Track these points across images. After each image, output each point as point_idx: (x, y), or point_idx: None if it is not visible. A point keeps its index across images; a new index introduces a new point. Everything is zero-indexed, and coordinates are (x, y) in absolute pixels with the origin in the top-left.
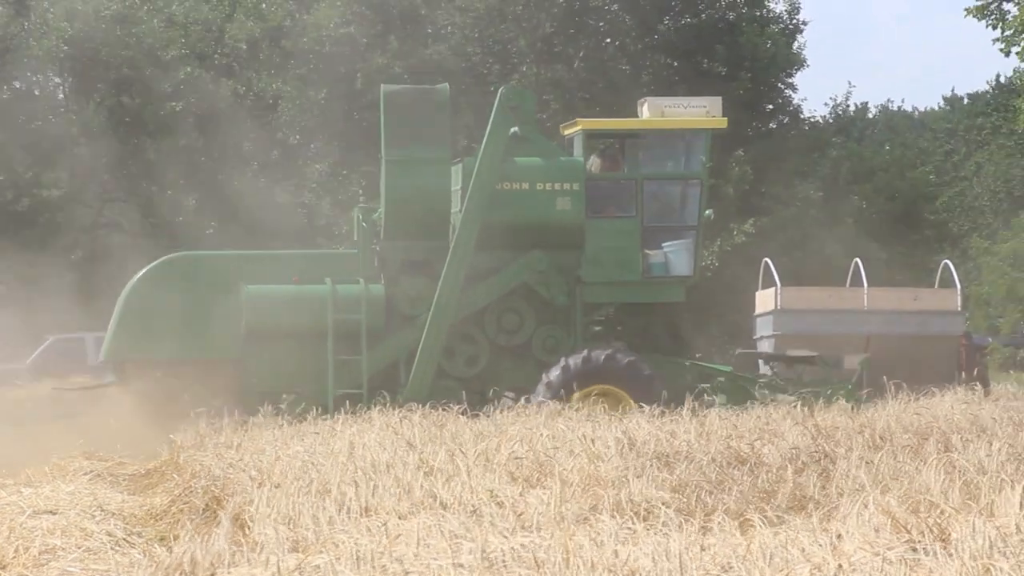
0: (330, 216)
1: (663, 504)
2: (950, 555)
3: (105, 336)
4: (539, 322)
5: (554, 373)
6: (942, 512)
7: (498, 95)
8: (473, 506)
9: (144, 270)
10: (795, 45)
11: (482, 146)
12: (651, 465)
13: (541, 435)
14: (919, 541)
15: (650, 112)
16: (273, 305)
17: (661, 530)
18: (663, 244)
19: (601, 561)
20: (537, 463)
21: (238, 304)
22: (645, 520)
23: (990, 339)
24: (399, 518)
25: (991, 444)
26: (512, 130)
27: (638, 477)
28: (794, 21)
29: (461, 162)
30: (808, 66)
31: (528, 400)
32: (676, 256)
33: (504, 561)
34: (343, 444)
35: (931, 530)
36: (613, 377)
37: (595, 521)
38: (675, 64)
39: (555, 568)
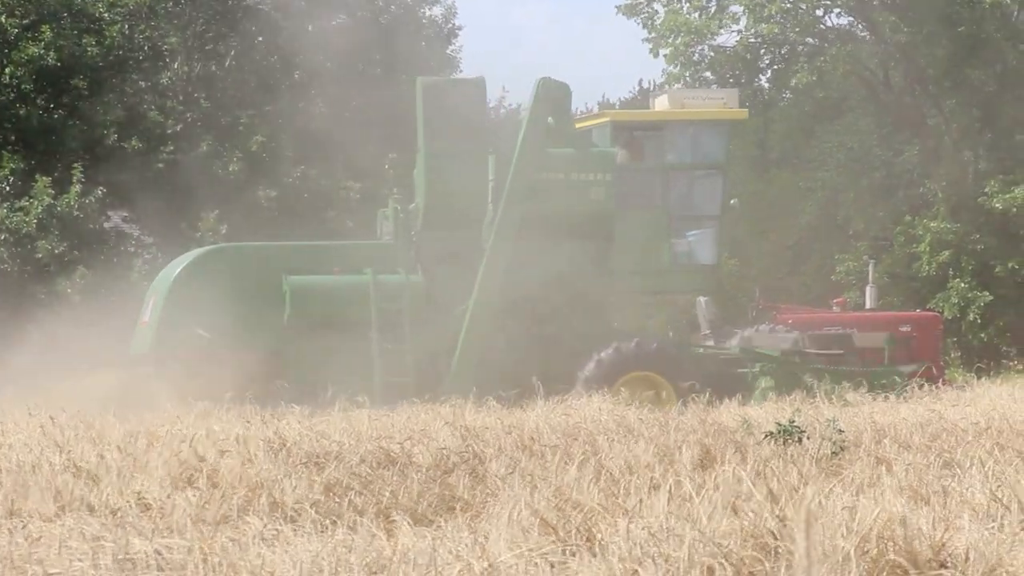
0: None
1: (311, 506)
2: (594, 555)
3: (142, 328)
4: (572, 311)
5: (588, 368)
6: (588, 512)
7: (535, 86)
8: (119, 508)
9: (186, 263)
10: (449, 49)
11: (520, 137)
12: (301, 466)
13: (193, 435)
14: (567, 542)
15: (670, 104)
16: (315, 295)
17: (307, 532)
18: (688, 234)
19: (243, 564)
20: (187, 464)
21: (280, 295)
22: (293, 522)
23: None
24: (44, 520)
25: (637, 444)
26: (548, 120)
27: (287, 478)
28: (449, 25)
29: (494, 153)
30: (462, 71)
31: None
32: (701, 245)
33: (145, 563)
34: None
35: (578, 531)
36: (646, 363)
37: (241, 523)
38: (329, 65)
39: (195, 571)
